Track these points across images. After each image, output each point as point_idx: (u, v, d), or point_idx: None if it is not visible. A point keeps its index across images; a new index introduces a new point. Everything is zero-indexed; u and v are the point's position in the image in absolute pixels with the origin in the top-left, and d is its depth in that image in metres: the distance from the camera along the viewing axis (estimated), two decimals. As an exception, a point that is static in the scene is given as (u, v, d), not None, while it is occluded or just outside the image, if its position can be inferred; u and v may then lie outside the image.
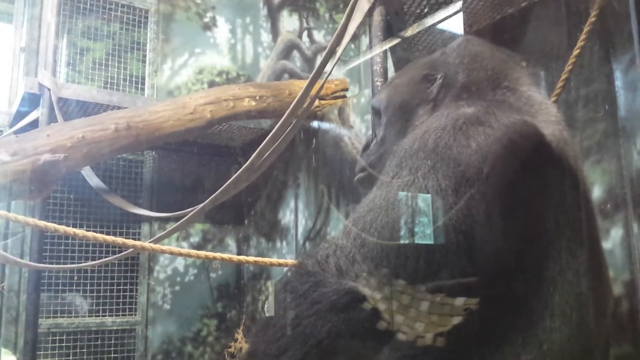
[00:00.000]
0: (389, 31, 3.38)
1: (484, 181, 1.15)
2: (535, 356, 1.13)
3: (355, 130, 3.77)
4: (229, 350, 4.28)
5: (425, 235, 1.18)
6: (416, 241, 1.19)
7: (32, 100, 3.34)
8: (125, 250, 2.57)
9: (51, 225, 2.26)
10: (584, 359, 1.21)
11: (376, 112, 1.67)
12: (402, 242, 1.19)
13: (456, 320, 1.12)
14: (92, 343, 3.84)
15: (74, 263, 3.58)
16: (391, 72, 3.16)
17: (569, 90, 2.34)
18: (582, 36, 2.17)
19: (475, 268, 1.15)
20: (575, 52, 2.21)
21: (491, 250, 1.15)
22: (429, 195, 1.17)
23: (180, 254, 2.44)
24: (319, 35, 4.47)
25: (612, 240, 2.24)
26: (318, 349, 1.16)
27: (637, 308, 2.16)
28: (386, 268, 1.16)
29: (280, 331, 1.23)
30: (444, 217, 1.15)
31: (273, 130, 2.62)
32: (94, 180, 3.46)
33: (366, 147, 1.65)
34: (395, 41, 3.26)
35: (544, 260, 1.18)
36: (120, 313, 3.99)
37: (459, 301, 1.12)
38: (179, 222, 2.61)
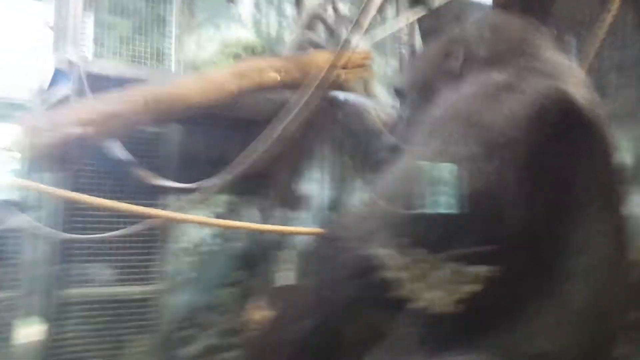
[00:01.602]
0: (415, 1, 3.34)
1: (516, 147, 1.15)
2: (556, 319, 1.15)
3: (379, 101, 3.76)
4: (250, 318, 4.34)
5: (455, 201, 1.19)
6: (446, 209, 1.19)
7: (61, 77, 3.38)
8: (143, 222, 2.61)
9: (85, 196, 2.32)
10: (602, 322, 1.22)
11: (400, 94, 1.68)
12: (432, 210, 1.18)
13: (475, 287, 1.13)
14: (116, 312, 3.86)
15: (94, 234, 3.64)
16: (418, 42, 3.14)
17: (602, 57, 2.30)
18: (614, 3, 2.12)
19: (503, 235, 1.15)
20: (608, 18, 2.16)
21: (521, 216, 1.16)
22: (461, 163, 1.17)
23: (203, 223, 2.48)
24: (343, 7, 4.42)
25: (637, 206, 2.23)
26: (340, 314, 1.19)
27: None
28: (414, 237, 1.16)
29: (306, 296, 1.25)
30: (475, 184, 1.15)
31: (298, 102, 2.63)
32: (122, 154, 3.51)
33: (393, 127, 1.66)
34: (423, 12, 3.22)
35: (571, 226, 1.19)
36: (143, 282, 4.00)
37: (478, 269, 1.13)
38: (204, 191, 2.64)
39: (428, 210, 1.19)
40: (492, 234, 1.16)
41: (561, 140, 1.22)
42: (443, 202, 1.19)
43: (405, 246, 1.16)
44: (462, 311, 1.14)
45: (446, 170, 1.20)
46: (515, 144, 1.16)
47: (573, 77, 1.36)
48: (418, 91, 1.59)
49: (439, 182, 1.21)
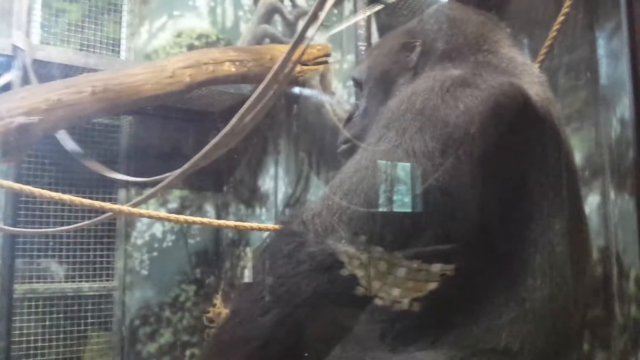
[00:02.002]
0: (371, -4, 3.33)
1: (471, 142, 1.16)
2: (517, 314, 1.16)
3: (337, 96, 3.75)
4: (208, 315, 4.30)
5: (411, 197, 1.19)
6: (402, 204, 1.19)
7: (5, 62, 3.25)
8: (102, 215, 2.53)
9: (27, 187, 2.21)
10: (564, 317, 1.24)
11: (357, 84, 1.68)
12: (388, 205, 1.19)
13: (433, 285, 1.14)
14: (69, 309, 3.82)
15: (48, 228, 3.54)
16: (375, 37, 3.14)
17: (552, 57, 2.34)
18: (567, 2, 2.16)
19: (459, 230, 1.16)
20: (559, 18, 2.20)
21: (476, 211, 1.17)
22: (416, 157, 1.17)
23: (159, 218, 2.42)
24: (301, 0, 4.38)
25: (589, 206, 2.28)
26: (303, 309, 1.17)
27: (610, 273, 2.22)
28: (370, 231, 1.16)
29: (264, 291, 1.23)
30: (430, 179, 1.15)
31: (253, 95, 2.57)
32: (69, 144, 3.39)
33: (349, 118, 1.65)
34: (379, 6, 3.22)
35: (527, 221, 1.20)
36: (97, 279, 3.97)
37: (435, 267, 1.14)
38: (157, 187, 2.57)
39: (384, 207, 1.18)
40: (448, 231, 1.16)
41: (516, 136, 1.23)
42: (399, 199, 1.19)
43: (362, 244, 1.16)
44: (421, 308, 1.14)
45: (403, 164, 1.20)
46: (470, 139, 1.16)
47: (528, 74, 1.38)
48: (374, 82, 1.58)
49: (395, 179, 1.21)
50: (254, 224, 2.61)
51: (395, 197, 1.20)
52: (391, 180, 1.22)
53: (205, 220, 2.35)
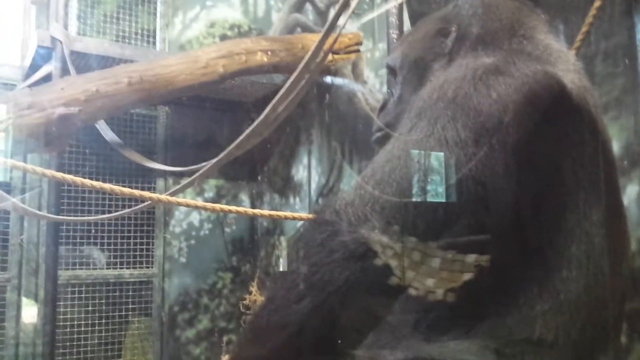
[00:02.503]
0: (403, -17, 3.29)
1: (504, 131, 1.14)
2: (552, 306, 1.14)
3: (369, 85, 3.73)
4: (244, 302, 4.38)
5: (444, 187, 1.18)
6: (434, 193, 1.19)
7: (44, 54, 3.32)
8: (141, 203, 2.60)
9: (69, 176, 2.28)
10: (600, 309, 1.22)
11: (391, 71, 1.66)
12: (420, 194, 1.19)
13: (467, 276, 1.13)
14: (111, 294, 3.94)
15: (89, 216, 3.65)
16: (407, 25, 3.10)
17: (589, 44, 2.28)
18: (604, -13, 2.10)
19: (492, 220, 1.15)
20: (596, 4, 2.14)
21: (510, 201, 1.16)
22: (448, 147, 1.16)
23: (196, 207, 2.47)
24: (332, -12, 4.37)
25: (627, 196, 2.22)
26: (336, 297, 1.18)
27: (649, 264, 2.17)
28: (403, 221, 1.16)
29: (299, 279, 1.25)
30: (463, 168, 1.15)
31: (286, 85, 2.59)
32: (108, 134, 3.47)
33: (383, 106, 1.64)
34: (409, -6, 3.18)
35: (562, 211, 1.18)
36: (137, 266, 4.07)
37: (470, 258, 1.13)
38: (193, 177, 2.62)
39: (416, 197, 1.18)
40: (482, 221, 1.15)
41: (550, 125, 1.21)
42: (432, 189, 1.19)
43: (395, 233, 1.15)
44: (455, 299, 1.14)
45: (436, 153, 1.19)
46: (503, 128, 1.15)
47: (564, 62, 1.35)
48: (409, 69, 1.57)
49: (427, 169, 1.21)
50: (288, 213, 2.64)
51: (427, 187, 1.19)
52: (423, 170, 1.20)
53: (240, 209, 2.39)
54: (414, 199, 1.17)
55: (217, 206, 2.47)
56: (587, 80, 1.36)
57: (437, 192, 1.18)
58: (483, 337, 1.15)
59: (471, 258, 1.13)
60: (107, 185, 2.28)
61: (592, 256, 1.19)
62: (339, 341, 1.22)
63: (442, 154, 1.16)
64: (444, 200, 1.16)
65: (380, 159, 1.27)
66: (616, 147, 2.27)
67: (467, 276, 1.13)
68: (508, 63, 1.23)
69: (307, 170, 4.14)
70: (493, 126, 1.14)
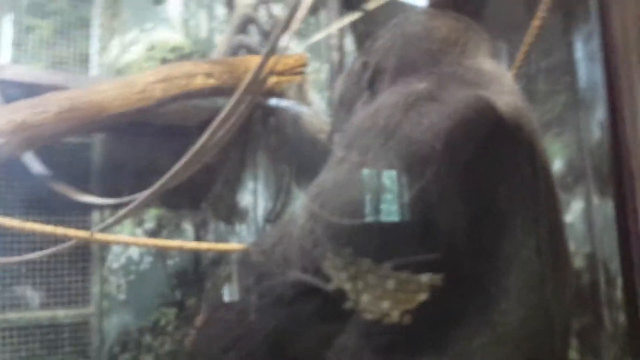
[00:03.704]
0: (347, 4, 3.27)
1: (437, 159, 1.10)
2: (489, 339, 1.09)
3: (314, 107, 3.68)
4: (188, 338, 4.18)
5: (374, 216, 1.13)
6: (365, 222, 1.14)
7: (-31, 83, 3.13)
8: (69, 241, 2.43)
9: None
10: (541, 339, 1.18)
11: (333, 108, 1.68)
12: (349, 224, 1.14)
13: (422, 296, 1.09)
14: (45, 337, 3.68)
15: (20, 254, 3.42)
16: (350, 46, 3.08)
17: (530, 62, 2.29)
18: (542, 7, 2.11)
19: (430, 249, 1.10)
20: (535, 23, 2.15)
21: (446, 230, 1.11)
22: (379, 176, 1.11)
23: (127, 243, 2.31)
24: (277, 9, 4.32)
25: (572, 212, 2.22)
26: (264, 346, 1.10)
27: (597, 280, 2.16)
28: (357, 247, 1.11)
29: (224, 328, 1.15)
30: (396, 198, 1.09)
31: (226, 108, 2.50)
32: (35, 167, 3.28)
33: (331, 139, 1.63)
34: (354, 15, 3.16)
35: (499, 239, 1.14)
36: (73, 305, 3.83)
37: (424, 277, 1.09)
38: (127, 209, 2.48)
39: (350, 224, 1.12)
40: (414, 249, 1.11)
41: (483, 151, 1.17)
42: (367, 215, 1.14)
43: (350, 256, 1.11)
44: (409, 321, 1.10)
45: (366, 183, 1.14)
46: (436, 156, 1.10)
47: (498, 85, 1.32)
48: (340, 103, 1.57)
49: (360, 196, 1.15)
50: (227, 245, 2.52)
51: (357, 216, 1.14)
52: (354, 201, 1.16)
53: (174, 243, 2.26)
54: (340, 229, 1.11)
55: (151, 242, 2.33)
56: (523, 102, 1.33)
57: (370, 219, 1.12)
58: None
59: (425, 277, 1.08)
60: (28, 225, 2.12)
61: (531, 285, 1.15)
62: None
63: (374, 181, 1.11)
64: (373, 228, 1.12)
65: (312, 192, 1.23)
66: (560, 163, 2.27)
67: (422, 296, 1.09)
68: (439, 89, 1.20)
69: (254, 196, 4.03)
70: (426, 154, 1.10)
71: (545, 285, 1.19)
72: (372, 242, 1.13)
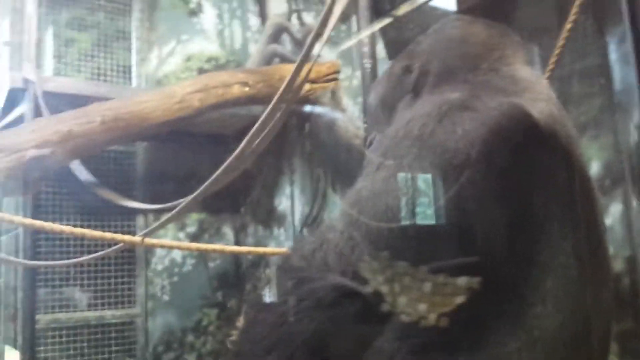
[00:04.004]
0: (378, 11, 3.30)
1: (472, 167, 1.12)
2: (524, 343, 1.10)
3: (348, 113, 3.72)
4: (231, 339, 4.26)
5: (411, 221, 1.16)
6: (403, 232, 1.16)
7: (17, 95, 3.28)
8: (116, 245, 2.53)
9: (39, 222, 2.23)
10: (579, 344, 1.18)
11: (370, 110, 1.68)
12: (387, 229, 1.16)
13: (459, 299, 1.09)
14: (93, 337, 3.84)
15: (69, 257, 3.56)
16: (382, 53, 3.10)
17: (563, 65, 2.27)
18: (574, 9, 2.10)
19: (465, 253, 1.12)
20: (568, 25, 2.14)
21: (482, 236, 1.13)
22: (415, 183, 1.14)
23: (171, 247, 2.41)
24: (308, 17, 4.38)
25: (611, 216, 2.20)
26: (305, 349, 1.14)
27: (638, 284, 2.13)
28: (394, 250, 1.14)
29: (266, 330, 1.20)
30: (432, 206, 1.12)
31: (262, 117, 2.56)
32: (83, 174, 3.42)
33: (369, 143, 1.63)
34: (384, 22, 3.18)
35: (536, 245, 1.15)
36: (120, 306, 3.98)
37: (461, 280, 1.09)
38: (171, 214, 2.56)
39: (390, 234, 1.16)
40: (455, 255, 1.13)
41: (518, 158, 1.18)
42: (404, 223, 1.16)
43: (387, 260, 1.13)
44: (445, 324, 1.11)
45: (402, 191, 1.17)
46: (471, 164, 1.12)
47: (532, 92, 1.32)
48: (379, 108, 1.57)
49: (396, 204, 1.18)
50: (267, 249, 2.58)
51: (395, 224, 1.17)
52: (390, 208, 1.18)
53: (217, 247, 2.34)
54: (380, 239, 1.14)
55: (193, 245, 2.41)
56: (558, 108, 1.34)
57: (406, 227, 1.15)
58: None
59: (462, 281, 1.09)
60: (78, 230, 2.23)
61: (569, 290, 1.15)
62: None
63: (410, 190, 1.14)
64: (410, 237, 1.14)
65: (349, 200, 1.25)
66: (597, 166, 2.25)
67: (459, 299, 1.09)
68: (473, 97, 1.21)
69: (291, 200, 4.09)
70: (460, 162, 1.12)
71: (584, 289, 1.19)
72: (409, 247, 1.16)
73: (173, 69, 4.30)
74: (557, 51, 2.18)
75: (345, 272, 1.16)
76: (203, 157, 4.27)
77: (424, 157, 1.16)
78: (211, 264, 4.39)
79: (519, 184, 1.18)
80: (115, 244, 2.58)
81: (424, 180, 1.16)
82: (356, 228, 1.19)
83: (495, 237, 1.14)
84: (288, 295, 1.21)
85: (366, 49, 2.57)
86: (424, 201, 1.15)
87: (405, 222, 1.16)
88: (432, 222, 1.15)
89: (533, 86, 1.36)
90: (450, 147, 1.15)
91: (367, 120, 1.74)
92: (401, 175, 1.18)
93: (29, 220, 2.24)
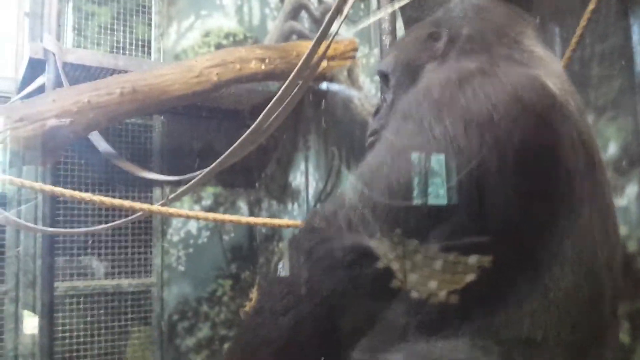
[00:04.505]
0: (398, -12, 3.27)
1: (495, 128, 1.11)
2: (540, 304, 1.12)
3: (364, 91, 3.71)
4: (244, 309, 4.35)
5: (437, 187, 1.15)
6: (428, 195, 1.16)
7: (37, 66, 3.32)
8: (134, 214, 2.58)
9: (59, 189, 2.28)
10: (591, 309, 1.20)
11: (384, 76, 1.65)
12: (414, 196, 1.15)
13: (470, 277, 1.10)
14: (109, 305, 3.93)
15: (87, 227, 3.63)
16: (400, 31, 3.08)
17: (584, 46, 2.26)
18: (597, -11, 2.08)
19: (486, 220, 1.12)
20: (590, 6, 2.12)
21: (504, 200, 1.13)
22: (438, 144, 1.13)
23: (188, 217, 2.45)
24: (327, -6, 4.36)
25: (627, 197, 2.20)
26: (324, 307, 1.16)
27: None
28: (394, 223, 1.14)
29: (287, 289, 1.22)
30: (455, 165, 1.12)
31: (279, 92, 2.57)
32: (102, 145, 3.47)
33: (377, 111, 1.63)
34: (406, 0, 3.16)
35: (554, 212, 1.16)
36: (136, 275, 4.06)
37: (472, 259, 1.10)
38: (187, 186, 2.60)
39: (412, 200, 1.15)
40: (476, 221, 1.13)
41: (536, 126, 1.19)
42: (426, 190, 1.16)
43: (398, 237, 1.13)
44: (456, 301, 1.11)
45: (425, 156, 1.16)
46: (494, 124, 1.12)
47: (548, 68, 1.33)
48: (401, 72, 1.56)
49: (419, 170, 1.18)
50: (283, 221, 2.62)
51: (421, 189, 1.16)
52: (416, 172, 1.18)
53: (234, 217, 2.38)
54: (408, 202, 1.15)
55: (211, 215, 2.45)
56: (569, 85, 1.35)
57: (430, 193, 1.15)
58: (472, 336, 1.11)
59: (473, 259, 1.10)
60: (97, 197, 2.27)
61: (584, 254, 1.17)
62: (338, 346, 1.20)
63: (433, 153, 1.13)
64: (438, 201, 1.14)
65: (368, 163, 1.25)
66: (614, 148, 2.24)
67: (470, 277, 1.10)
68: (492, 66, 1.22)
69: (305, 177, 4.12)
70: (483, 122, 1.11)
71: (597, 257, 1.20)
72: (421, 217, 1.15)
73: (191, 44, 4.32)
74: (578, 32, 2.16)
75: (371, 236, 1.15)
76: (218, 131, 4.32)
77: (445, 118, 1.14)
78: (225, 237, 4.45)
79: (537, 150, 1.19)
80: (133, 213, 2.64)
81: (446, 139, 1.14)
82: (376, 190, 1.18)
83: (517, 201, 1.15)
84: (306, 257, 1.21)
85: (386, 26, 2.55)
86: (440, 169, 1.15)
87: (426, 186, 1.15)
88: (451, 185, 1.13)
89: (548, 63, 1.37)
90: (472, 108, 1.13)
91: (383, 84, 1.71)
92: (422, 136, 1.17)
93: (49, 187, 2.28)
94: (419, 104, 1.21)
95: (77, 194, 2.24)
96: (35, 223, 3.42)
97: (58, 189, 2.20)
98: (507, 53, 1.32)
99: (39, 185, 2.26)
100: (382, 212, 1.14)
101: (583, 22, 2.15)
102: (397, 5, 3.11)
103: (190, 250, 4.31)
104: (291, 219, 4.18)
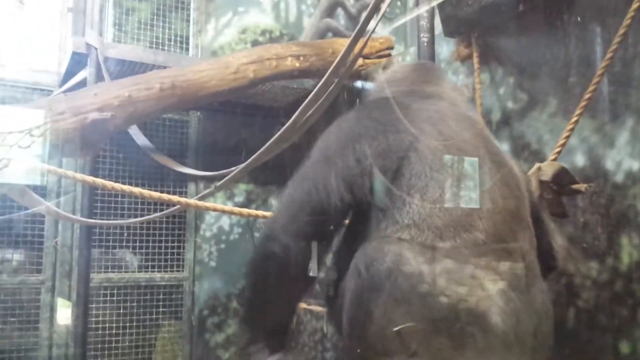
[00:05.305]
0: (436, -14, 3.25)
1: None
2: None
3: (400, 90, 3.68)
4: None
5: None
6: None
7: (80, 60, 3.40)
8: (171, 207, 2.62)
9: (99, 180, 2.33)
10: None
11: None
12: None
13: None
14: (142, 297, 4.00)
15: (123, 219, 3.70)
16: (438, 28, 3.06)
17: (627, 46, 2.21)
18: (643, -13, 2.03)
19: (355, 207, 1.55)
20: (634, 5, 2.08)
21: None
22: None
23: (224, 211, 2.48)
24: (363, -7, 4.36)
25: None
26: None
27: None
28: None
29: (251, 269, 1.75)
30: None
31: (315, 90, 2.58)
32: (140, 139, 3.53)
33: None
34: (443, -3, 3.13)
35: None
36: (169, 269, 4.12)
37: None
38: (222, 181, 2.64)
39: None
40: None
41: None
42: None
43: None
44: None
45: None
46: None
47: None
48: None
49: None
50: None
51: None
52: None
53: (267, 213, 2.40)
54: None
55: (245, 211, 2.48)
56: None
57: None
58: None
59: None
60: (137, 189, 2.32)
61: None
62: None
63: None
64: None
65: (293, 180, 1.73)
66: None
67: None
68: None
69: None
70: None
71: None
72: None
73: (228, 41, 4.37)
74: (621, 31, 2.12)
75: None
76: (253, 128, 4.35)
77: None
78: (256, 234, 4.48)
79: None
80: (168, 208, 2.68)
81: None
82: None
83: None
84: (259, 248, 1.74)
85: (424, 23, 2.54)
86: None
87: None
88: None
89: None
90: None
91: None
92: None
93: (90, 178, 2.34)
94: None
95: (117, 185, 2.29)
96: (74, 215, 3.50)
97: (99, 180, 2.25)
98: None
99: (80, 175, 2.32)
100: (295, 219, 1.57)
101: (626, 22, 2.10)
102: (434, 3, 3.09)
103: (222, 246, 4.36)
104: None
